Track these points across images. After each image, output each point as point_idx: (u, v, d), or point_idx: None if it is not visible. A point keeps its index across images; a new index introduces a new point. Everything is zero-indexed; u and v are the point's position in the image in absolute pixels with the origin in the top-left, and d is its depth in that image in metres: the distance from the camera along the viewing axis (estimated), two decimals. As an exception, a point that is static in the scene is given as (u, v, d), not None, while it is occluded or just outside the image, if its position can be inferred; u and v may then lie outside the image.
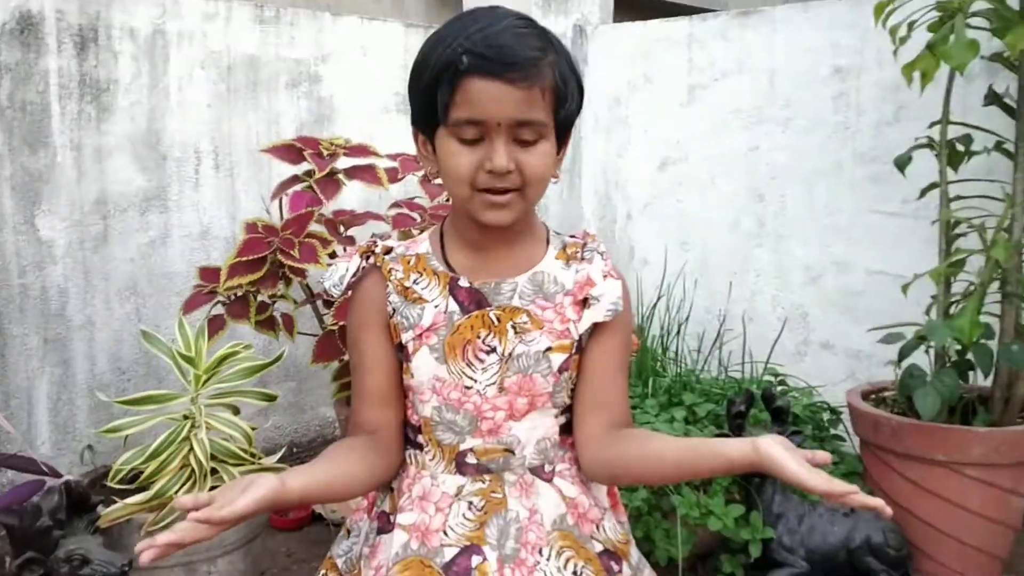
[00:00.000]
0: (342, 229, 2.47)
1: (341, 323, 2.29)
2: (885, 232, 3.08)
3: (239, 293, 2.34)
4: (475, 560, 1.22)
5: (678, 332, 3.14)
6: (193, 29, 2.80)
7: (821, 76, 3.20)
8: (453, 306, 1.25)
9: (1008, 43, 2.16)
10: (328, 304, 2.46)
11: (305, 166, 2.47)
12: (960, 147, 2.57)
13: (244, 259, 2.27)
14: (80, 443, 2.64)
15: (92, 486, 2.03)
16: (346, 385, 2.54)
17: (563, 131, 1.22)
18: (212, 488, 2.03)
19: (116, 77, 2.67)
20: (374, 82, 3.26)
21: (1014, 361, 2.34)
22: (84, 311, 2.67)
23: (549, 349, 1.24)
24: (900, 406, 2.54)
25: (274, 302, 2.42)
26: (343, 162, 2.48)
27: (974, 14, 2.38)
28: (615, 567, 1.28)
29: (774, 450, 1.06)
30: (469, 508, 1.24)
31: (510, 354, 1.23)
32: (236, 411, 2.18)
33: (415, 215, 2.51)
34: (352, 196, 2.94)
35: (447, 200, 2.55)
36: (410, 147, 2.51)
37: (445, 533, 1.23)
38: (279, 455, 2.20)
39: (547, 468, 1.28)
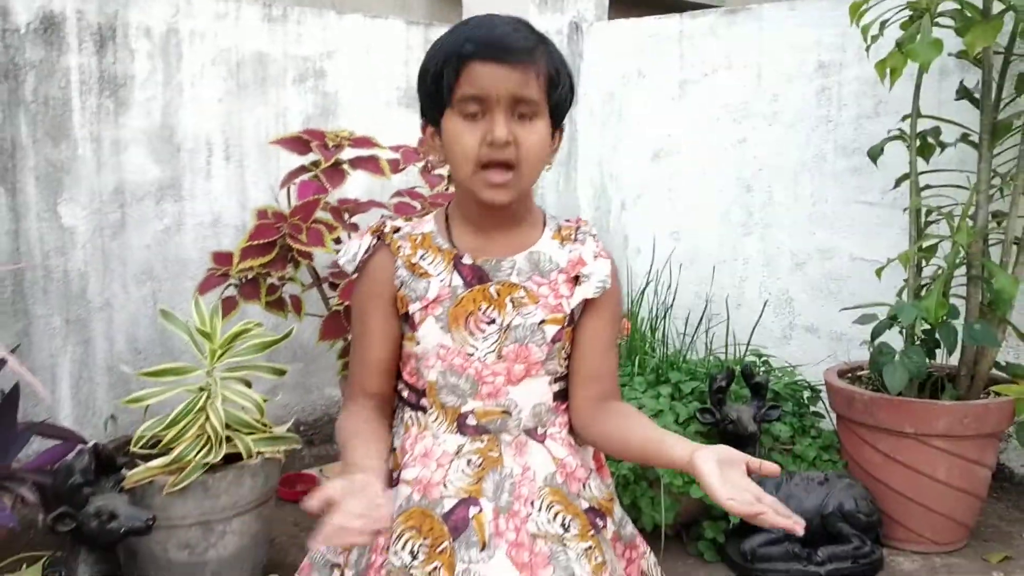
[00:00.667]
0: (347, 216, 2.61)
1: (346, 303, 2.43)
2: (866, 220, 3.22)
3: (250, 276, 2.48)
4: (472, 510, 1.34)
5: (665, 315, 3.28)
6: (205, 28, 2.95)
7: (805, 72, 3.33)
8: (457, 280, 1.38)
9: (967, 42, 2.30)
10: (334, 286, 2.61)
11: (312, 157, 2.61)
12: (930, 139, 2.71)
13: (255, 243, 2.41)
14: (100, 417, 2.79)
15: (115, 453, 2.18)
16: (351, 363, 2.69)
17: (556, 117, 1.36)
18: (227, 454, 2.19)
19: (133, 73, 2.81)
20: (377, 77, 3.41)
21: (976, 339, 2.49)
22: (103, 294, 2.81)
23: (543, 321, 1.37)
24: (874, 383, 2.68)
25: (283, 284, 2.57)
26: (347, 153, 2.62)
27: (942, 14, 2.52)
28: (600, 523, 1.40)
29: (706, 466, 1.17)
30: (468, 465, 1.37)
31: (508, 325, 1.36)
32: (248, 385, 2.33)
33: (415, 203, 2.66)
34: (356, 185, 3.09)
35: (446, 189, 2.70)
36: (411, 139, 2.68)
37: (444, 486, 1.35)
38: (287, 425, 2.35)
39: (540, 430, 1.41)
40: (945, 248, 2.64)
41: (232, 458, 2.22)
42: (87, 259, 2.77)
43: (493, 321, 1.37)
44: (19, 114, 2.60)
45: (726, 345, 3.20)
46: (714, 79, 3.59)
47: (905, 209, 2.76)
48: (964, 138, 2.68)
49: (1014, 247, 2.61)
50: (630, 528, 1.50)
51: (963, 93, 2.74)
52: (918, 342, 2.62)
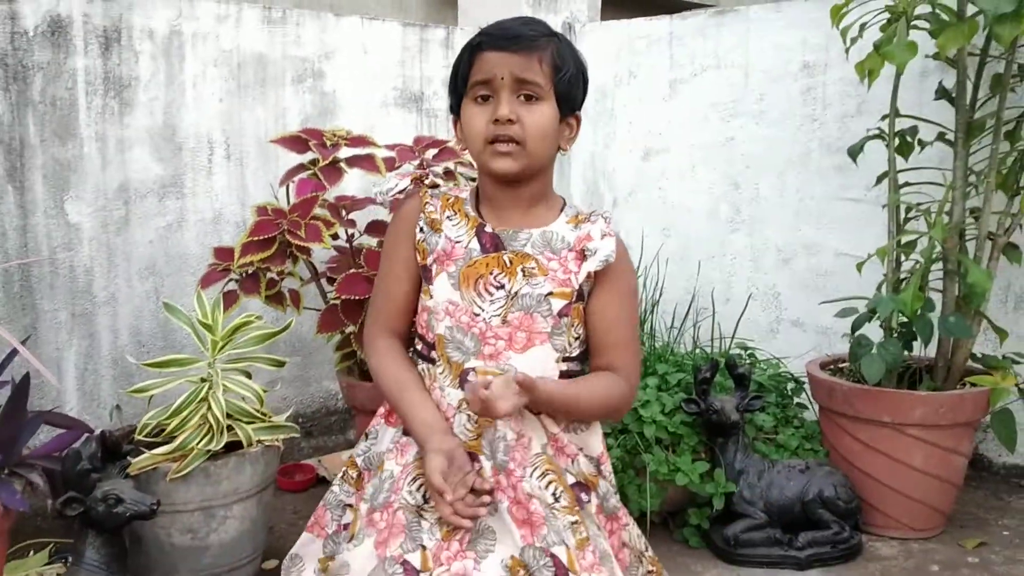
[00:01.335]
0: (344, 212, 2.69)
1: (343, 297, 2.52)
2: (850, 217, 3.30)
3: (251, 270, 2.56)
4: (476, 465, 1.45)
5: (653, 309, 3.36)
6: (207, 30, 3.03)
7: (791, 71, 3.41)
8: (475, 245, 1.50)
9: (939, 44, 2.38)
10: (331, 281, 2.70)
11: (310, 155, 2.69)
12: (908, 138, 2.79)
13: (255, 239, 2.50)
14: (105, 407, 2.87)
15: (121, 440, 2.26)
16: (348, 355, 2.77)
17: (565, 102, 1.47)
18: (228, 442, 2.27)
19: (137, 74, 2.89)
20: (374, 78, 3.49)
21: (951, 331, 2.57)
22: (108, 288, 2.90)
23: (551, 294, 1.47)
24: (853, 374, 2.77)
25: (282, 279, 2.65)
26: (345, 152, 2.71)
27: (919, 16, 2.60)
28: (584, 497, 1.50)
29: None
30: (468, 420, 1.48)
31: (516, 293, 1.46)
32: (249, 376, 2.41)
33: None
34: (353, 183, 3.17)
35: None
36: (407, 138, 2.77)
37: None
38: (287, 413, 2.43)
39: None
40: (923, 243, 2.73)
41: (233, 446, 2.29)
42: (92, 255, 2.85)
43: (502, 287, 1.47)
44: (27, 114, 2.68)
45: (712, 338, 3.28)
46: (703, 79, 3.67)
47: (884, 206, 2.84)
48: (941, 137, 2.76)
49: (988, 242, 2.70)
50: (613, 501, 1.59)
51: (941, 93, 2.82)
52: (895, 334, 2.70)
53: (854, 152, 2.84)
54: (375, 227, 2.74)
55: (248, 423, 2.32)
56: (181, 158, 3.02)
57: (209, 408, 2.25)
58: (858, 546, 2.58)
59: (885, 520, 2.67)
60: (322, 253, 2.73)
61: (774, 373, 3.00)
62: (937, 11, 2.53)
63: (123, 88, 2.87)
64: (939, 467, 2.61)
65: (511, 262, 1.48)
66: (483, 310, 1.47)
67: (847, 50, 2.66)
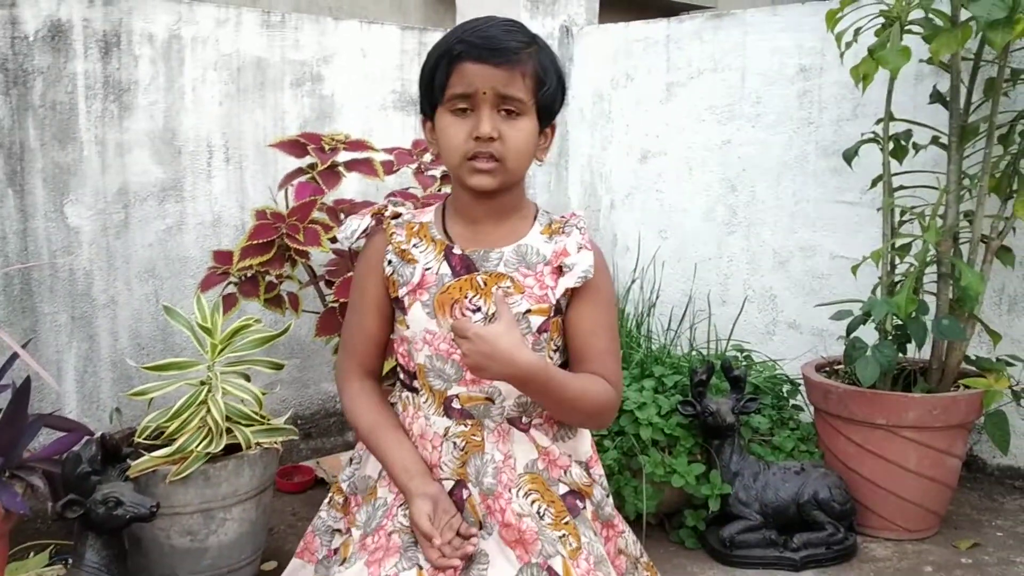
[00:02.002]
0: (342, 216, 2.70)
1: (342, 300, 2.53)
2: (846, 220, 3.32)
3: (249, 274, 2.57)
4: (465, 493, 1.45)
5: (649, 312, 3.38)
6: (206, 34, 3.05)
7: (787, 75, 3.43)
8: (445, 269, 1.46)
9: (932, 49, 2.40)
10: (330, 284, 2.71)
11: (308, 159, 2.71)
12: (903, 142, 2.81)
13: (254, 242, 2.51)
14: (105, 409, 2.89)
15: (121, 443, 2.27)
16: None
17: (545, 115, 1.45)
18: (228, 444, 2.29)
19: (136, 78, 2.91)
20: (373, 81, 3.51)
21: (944, 334, 2.59)
22: (107, 291, 2.91)
23: (529, 311, 1.44)
24: (848, 376, 2.79)
25: (281, 282, 2.67)
26: (343, 156, 2.72)
27: (914, 21, 2.62)
28: (579, 504, 1.50)
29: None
30: (454, 448, 1.46)
31: (493, 314, 1.42)
32: (248, 378, 2.43)
33: (409, 204, 2.76)
34: (351, 186, 3.19)
35: (439, 190, 2.80)
36: (405, 141, 2.78)
37: (441, 468, 1.46)
38: (286, 416, 2.45)
39: (524, 420, 1.48)
40: (917, 246, 2.74)
41: (232, 448, 2.31)
42: (92, 258, 2.87)
43: (479, 309, 1.43)
44: (28, 118, 2.70)
45: (709, 340, 3.30)
46: (700, 82, 3.69)
47: (878, 209, 2.86)
48: (935, 140, 2.78)
49: (981, 245, 2.72)
50: (608, 509, 1.58)
51: (936, 97, 2.84)
52: (890, 337, 2.72)
53: (849, 156, 2.86)
54: (373, 230, 2.75)
55: (247, 426, 2.34)
56: (180, 161, 3.04)
57: (208, 411, 2.27)
58: (853, 547, 2.60)
59: (879, 521, 2.69)
60: (321, 256, 2.74)
61: (770, 375, 3.02)
62: (931, 16, 2.55)
63: (123, 92, 2.88)
64: (933, 469, 2.63)
65: (485, 283, 1.44)
66: None
67: (842, 55, 2.68)
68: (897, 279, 2.79)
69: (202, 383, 2.33)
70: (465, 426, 1.46)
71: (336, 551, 1.55)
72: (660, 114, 3.81)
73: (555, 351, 1.49)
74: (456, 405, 1.46)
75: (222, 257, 2.63)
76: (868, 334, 2.73)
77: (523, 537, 1.41)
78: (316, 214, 2.60)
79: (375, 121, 3.51)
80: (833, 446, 2.73)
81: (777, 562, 2.53)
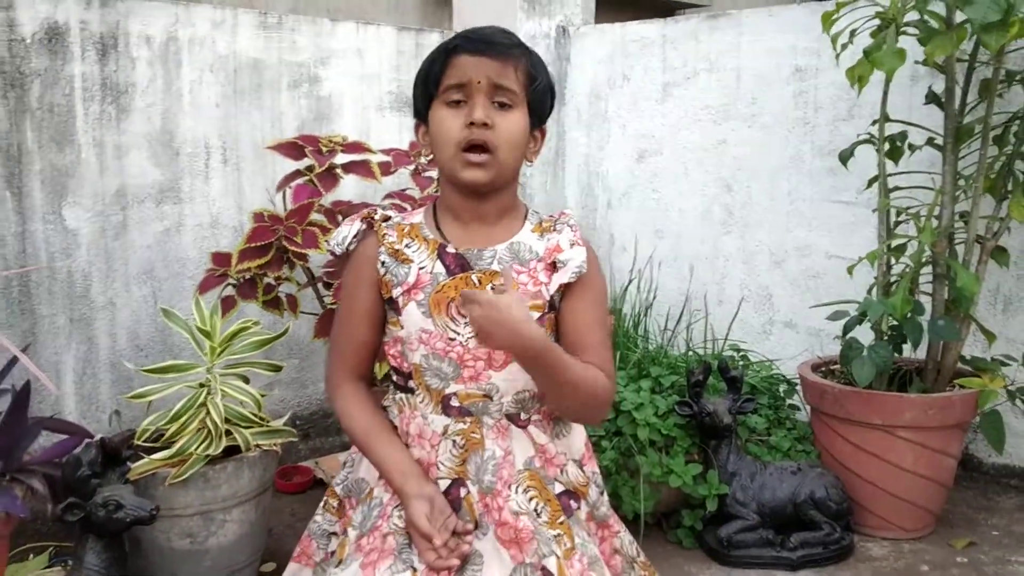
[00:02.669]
0: (340, 218, 2.71)
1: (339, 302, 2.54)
2: (841, 219, 3.33)
3: (248, 276, 2.58)
4: (463, 492, 1.46)
5: (646, 313, 3.39)
6: (203, 36, 3.05)
7: (783, 75, 3.44)
8: (439, 268, 1.47)
9: (927, 51, 2.41)
10: (328, 286, 2.72)
11: (306, 161, 2.72)
12: (898, 143, 2.82)
13: (252, 245, 2.52)
14: (104, 412, 2.89)
15: (120, 446, 2.28)
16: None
17: (536, 113, 1.47)
18: (227, 447, 2.30)
19: (134, 81, 2.91)
20: (370, 82, 3.51)
21: (940, 334, 2.61)
22: (106, 293, 2.92)
23: None
24: (845, 377, 2.80)
25: (279, 284, 2.67)
26: (340, 158, 2.73)
27: (908, 23, 2.63)
28: (573, 504, 1.50)
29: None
30: (453, 446, 1.46)
31: None
32: (246, 380, 2.44)
33: (406, 205, 2.77)
34: (349, 188, 3.19)
35: (436, 191, 2.81)
36: (402, 142, 2.78)
37: (438, 467, 1.47)
38: (284, 418, 2.46)
39: (523, 416, 1.49)
40: (913, 247, 2.76)
41: (231, 450, 2.32)
42: (90, 260, 2.87)
43: None
44: (25, 121, 2.70)
45: (706, 340, 3.31)
46: (696, 82, 3.70)
47: (874, 210, 2.88)
48: (930, 141, 2.79)
49: (977, 246, 2.73)
50: (604, 509, 1.59)
51: (931, 98, 2.85)
52: (885, 337, 2.73)
53: (845, 157, 2.88)
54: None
55: (246, 428, 2.35)
56: (178, 163, 3.04)
57: (208, 413, 2.28)
58: (849, 547, 2.61)
59: (876, 521, 2.70)
60: (319, 258, 2.75)
61: (767, 375, 3.03)
62: (926, 18, 2.56)
63: (120, 94, 2.89)
64: (929, 468, 2.64)
65: (480, 281, 1.45)
66: (459, 333, 1.45)
67: (837, 56, 2.69)
68: (893, 279, 2.80)
69: (201, 385, 2.33)
70: (464, 423, 1.47)
71: (332, 553, 1.56)
72: (656, 114, 3.82)
73: None
74: (455, 403, 1.47)
75: (220, 259, 2.64)
76: (864, 334, 2.74)
77: (519, 536, 1.41)
78: (314, 216, 2.61)
79: (372, 122, 3.51)
80: (830, 446, 2.74)
81: (774, 562, 2.54)
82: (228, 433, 2.31)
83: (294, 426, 2.44)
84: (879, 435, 2.62)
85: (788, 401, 3.02)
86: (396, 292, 1.48)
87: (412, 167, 2.83)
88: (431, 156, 1.50)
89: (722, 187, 3.65)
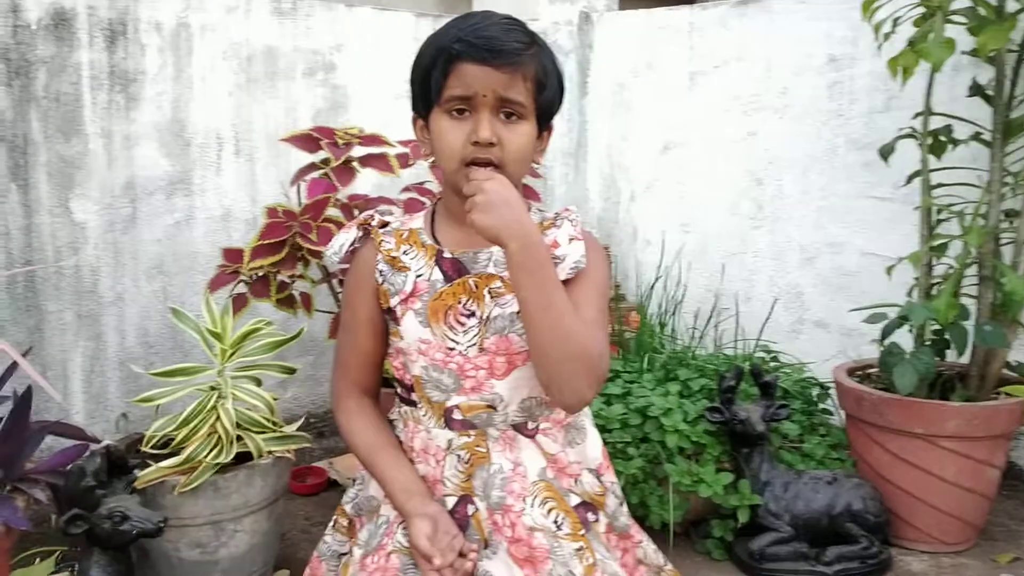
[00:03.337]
0: (357, 213, 2.61)
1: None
2: (877, 216, 3.21)
3: (261, 274, 2.49)
4: (471, 508, 1.38)
5: (674, 311, 3.28)
6: (215, 22, 2.94)
7: (816, 65, 3.31)
8: (437, 275, 1.39)
9: (979, 43, 2.28)
10: (343, 283, 2.62)
11: (322, 154, 2.61)
12: (942, 137, 2.69)
13: (266, 242, 2.42)
14: (112, 412, 2.81)
15: (127, 451, 2.19)
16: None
17: (544, 118, 1.37)
18: (238, 453, 2.20)
19: (143, 68, 2.81)
20: (386, 70, 3.40)
21: (986, 340, 2.48)
22: (114, 288, 2.83)
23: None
24: (883, 382, 2.68)
25: (293, 281, 2.57)
26: (357, 151, 2.62)
27: (955, 11, 2.50)
28: (591, 517, 1.43)
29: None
30: (459, 461, 1.39)
31: (487, 317, 1.36)
32: (259, 383, 2.34)
33: (425, 199, 2.66)
34: (366, 181, 3.08)
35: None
36: (421, 135, 2.64)
37: (444, 483, 1.39)
38: (298, 424, 2.36)
39: (530, 426, 1.42)
40: (956, 247, 2.63)
41: (243, 457, 2.23)
42: (98, 254, 2.78)
43: (473, 314, 1.37)
44: (31, 110, 2.60)
45: (735, 340, 3.20)
46: (724, 71, 3.58)
47: (916, 207, 2.75)
48: (976, 136, 2.66)
49: (1025, 247, 2.60)
50: (623, 519, 1.51)
51: (976, 90, 2.71)
52: (928, 343, 2.61)
53: (886, 152, 2.74)
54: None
55: (259, 433, 2.25)
56: (189, 154, 2.94)
57: (218, 418, 2.18)
58: (888, 561, 2.50)
59: (915, 534, 2.59)
60: (334, 254, 2.65)
61: (798, 378, 2.91)
62: (975, 6, 2.43)
63: (129, 83, 2.79)
64: (972, 479, 2.52)
65: (477, 286, 1.38)
66: (458, 343, 1.37)
67: (880, 45, 2.56)
68: (934, 281, 2.68)
69: (212, 388, 2.24)
70: (468, 437, 1.40)
71: None
72: (682, 104, 3.70)
73: None
74: (457, 416, 1.40)
75: (232, 255, 2.54)
76: (902, 337, 2.63)
77: (533, 554, 1.34)
78: (330, 211, 2.51)
79: (389, 111, 3.40)
80: (867, 455, 2.63)
81: (809, 576, 2.44)
82: (239, 439, 2.21)
83: (308, 424, 2.35)
84: (920, 444, 2.50)
85: (821, 406, 2.90)
86: (394, 302, 1.41)
87: (431, 159, 2.72)
88: (432, 158, 1.40)
89: (751, 180, 3.53)
